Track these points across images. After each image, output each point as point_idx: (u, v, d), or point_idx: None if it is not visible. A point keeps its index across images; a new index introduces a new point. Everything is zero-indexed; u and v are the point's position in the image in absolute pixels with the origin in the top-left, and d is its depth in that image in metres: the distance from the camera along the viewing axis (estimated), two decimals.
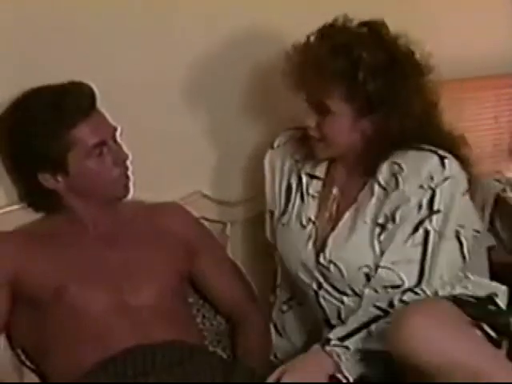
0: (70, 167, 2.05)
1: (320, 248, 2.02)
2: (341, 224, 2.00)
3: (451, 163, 1.92)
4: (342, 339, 1.88)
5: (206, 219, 2.36)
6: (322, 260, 2.01)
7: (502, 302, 1.98)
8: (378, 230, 1.95)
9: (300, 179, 2.11)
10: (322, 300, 2.06)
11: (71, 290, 2.02)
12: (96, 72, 2.10)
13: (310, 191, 2.09)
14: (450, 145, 1.96)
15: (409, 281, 1.91)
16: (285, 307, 2.24)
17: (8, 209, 2.18)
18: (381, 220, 1.95)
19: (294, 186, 2.12)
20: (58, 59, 2.17)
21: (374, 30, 1.96)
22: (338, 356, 1.86)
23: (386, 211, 1.94)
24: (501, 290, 2.03)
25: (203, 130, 2.38)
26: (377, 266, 1.94)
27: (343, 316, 2.02)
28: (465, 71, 2.63)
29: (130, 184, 2.13)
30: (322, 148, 2.00)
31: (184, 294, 2.22)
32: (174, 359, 1.96)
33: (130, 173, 2.12)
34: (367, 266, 1.95)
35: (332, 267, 1.99)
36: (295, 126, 2.13)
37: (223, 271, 2.26)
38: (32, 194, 2.14)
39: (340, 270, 1.98)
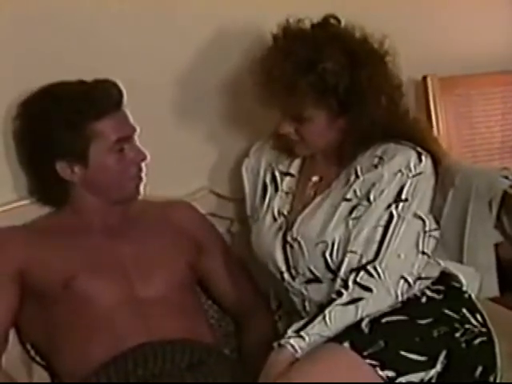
0: (90, 159, 2.06)
1: (289, 227, 2.07)
2: (311, 206, 2.06)
3: (427, 159, 2.00)
4: (297, 331, 1.89)
5: (213, 215, 2.36)
6: (288, 238, 2.05)
7: (464, 280, 2.03)
8: (344, 204, 2.00)
9: (274, 177, 2.17)
10: (291, 294, 2.08)
11: (80, 281, 2.02)
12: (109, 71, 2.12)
13: (283, 187, 2.15)
14: (417, 137, 2.03)
15: (366, 258, 1.95)
16: (276, 317, 2.24)
17: (17, 204, 2.18)
18: (349, 195, 2.00)
19: (268, 183, 2.18)
20: (57, 59, 2.19)
21: (330, 33, 2.01)
22: (293, 347, 1.86)
23: (355, 187, 2.00)
24: (470, 272, 2.08)
25: (211, 125, 2.38)
26: (337, 247, 1.98)
27: (308, 309, 2.04)
28: (472, 68, 2.64)
29: (141, 186, 2.14)
30: (303, 148, 2.08)
31: (193, 286, 2.23)
32: (184, 361, 1.98)
33: (143, 175, 2.14)
34: (324, 241, 1.99)
35: (296, 245, 2.04)
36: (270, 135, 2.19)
37: (229, 270, 2.27)
38: (44, 185, 2.14)
39: (301, 247, 2.03)
